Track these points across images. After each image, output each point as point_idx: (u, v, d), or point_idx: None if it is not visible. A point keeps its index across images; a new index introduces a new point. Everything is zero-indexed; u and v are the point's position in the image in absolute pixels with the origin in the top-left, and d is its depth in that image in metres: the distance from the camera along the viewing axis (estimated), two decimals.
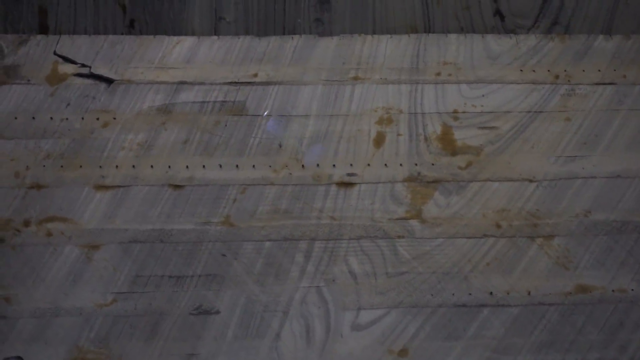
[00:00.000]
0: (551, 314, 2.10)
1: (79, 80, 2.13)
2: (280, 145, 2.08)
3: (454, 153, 2.12)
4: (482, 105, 2.14)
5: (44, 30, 2.18)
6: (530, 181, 2.11)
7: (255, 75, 2.14)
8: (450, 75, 2.16)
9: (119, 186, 2.08)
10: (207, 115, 2.11)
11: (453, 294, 2.07)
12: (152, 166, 2.09)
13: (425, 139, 2.11)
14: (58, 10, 2.20)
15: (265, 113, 2.11)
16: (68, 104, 2.10)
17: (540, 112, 2.14)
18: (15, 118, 2.08)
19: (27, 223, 2.05)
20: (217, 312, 2.05)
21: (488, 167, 2.12)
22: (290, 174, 2.09)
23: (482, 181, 2.10)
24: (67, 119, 2.10)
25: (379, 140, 2.13)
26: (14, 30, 2.18)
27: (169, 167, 2.09)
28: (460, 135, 2.13)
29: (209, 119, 2.11)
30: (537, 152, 2.11)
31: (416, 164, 2.10)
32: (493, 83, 2.16)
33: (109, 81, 2.11)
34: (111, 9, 2.19)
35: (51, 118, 2.08)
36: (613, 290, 2.10)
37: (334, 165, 2.09)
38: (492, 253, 2.09)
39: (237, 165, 2.09)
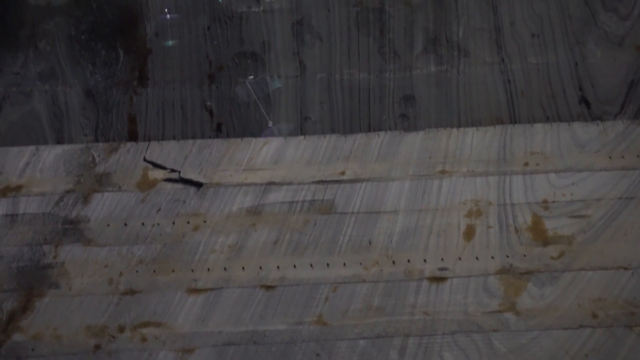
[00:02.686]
0: None
1: (169, 185, 2.85)
2: (370, 242, 2.74)
3: (545, 243, 2.75)
4: (572, 194, 2.78)
5: (133, 137, 2.93)
6: (625, 269, 2.71)
7: (343, 173, 2.83)
8: (538, 165, 2.83)
9: (212, 289, 2.73)
10: (297, 214, 2.80)
11: None
12: (243, 268, 2.75)
13: (516, 230, 2.74)
14: (147, 117, 2.95)
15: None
16: (159, 209, 2.81)
17: (632, 198, 2.77)
18: (108, 225, 2.79)
19: (121, 329, 2.71)
20: None
21: (581, 256, 2.73)
22: (381, 270, 2.73)
23: (576, 271, 2.71)
24: (158, 224, 2.80)
25: (469, 233, 2.77)
26: (105, 138, 2.93)
27: (260, 267, 2.75)
28: (551, 225, 2.77)
29: (298, 218, 2.79)
30: (631, 239, 2.72)
31: (508, 256, 2.73)
32: (582, 171, 2.81)
33: (198, 185, 2.82)
34: (199, 113, 2.94)
35: (143, 224, 2.78)
36: None
37: (424, 260, 2.73)
38: (590, 344, 2.65)
39: (327, 264, 2.74)
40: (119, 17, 2.85)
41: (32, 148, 2.88)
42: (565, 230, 2.65)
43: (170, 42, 2.83)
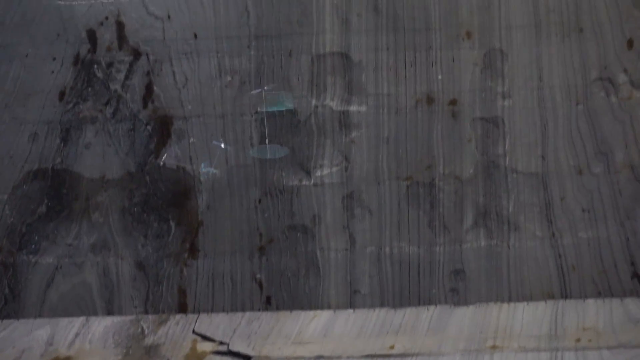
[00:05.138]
0: None
1: (217, 358, 3.63)
2: None
3: None
4: None
5: (183, 309, 3.76)
6: None
7: (392, 347, 3.60)
8: (590, 341, 3.57)
9: None
10: None
11: None
12: None
13: None
14: (197, 289, 3.78)
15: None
16: None
17: None
18: None
19: None
20: None
21: None
22: None
23: None
24: None
25: None
26: (155, 310, 3.76)
27: None
28: None
29: None
30: None
31: None
32: (636, 348, 3.55)
33: (246, 358, 3.60)
34: (248, 286, 3.77)
35: None
36: None
37: None
38: None
39: None
40: (171, 190, 3.75)
41: (82, 319, 3.71)
42: None
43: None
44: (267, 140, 3.67)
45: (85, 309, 3.69)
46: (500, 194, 3.65)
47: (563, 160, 3.64)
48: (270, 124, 3.64)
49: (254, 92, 3.65)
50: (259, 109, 3.65)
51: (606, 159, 3.64)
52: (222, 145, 3.65)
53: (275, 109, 3.68)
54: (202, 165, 3.68)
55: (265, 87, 3.62)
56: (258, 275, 3.67)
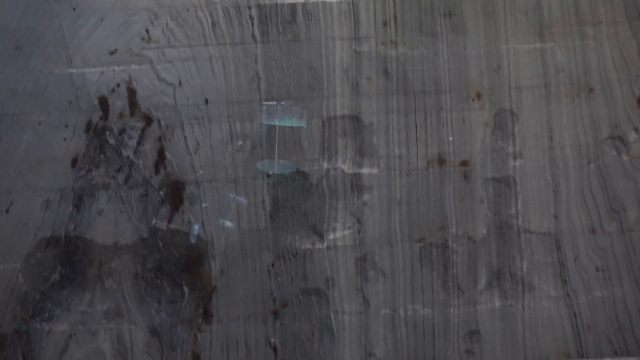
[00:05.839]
0: None
1: None
2: None
3: None
4: None
5: None
6: None
7: None
8: None
9: None
10: None
11: None
12: None
13: None
14: (211, 355, 3.77)
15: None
16: None
17: None
18: None
19: None
20: None
21: None
22: None
23: None
24: None
25: None
26: None
27: None
28: None
29: None
30: None
31: None
32: None
33: None
34: (262, 350, 3.76)
35: None
36: None
37: None
38: None
39: None
40: (184, 256, 3.76)
41: None
42: None
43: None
44: (279, 205, 3.68)
45: None
46: (513, 254, 3.66)
47: (576, 220, 3.65)
48: (282, 188, 3.66)
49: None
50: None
51: (619, 217, 3.65)
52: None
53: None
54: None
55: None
56: (272, 340, 3.66)
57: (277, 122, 3.70)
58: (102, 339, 3.72)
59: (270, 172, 3.67)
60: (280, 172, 3.69)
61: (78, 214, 3.69)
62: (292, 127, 3.68)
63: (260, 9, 3.68)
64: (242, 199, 3.66)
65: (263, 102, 3.72)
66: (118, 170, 3.68)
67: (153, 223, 3.67)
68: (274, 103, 3.72)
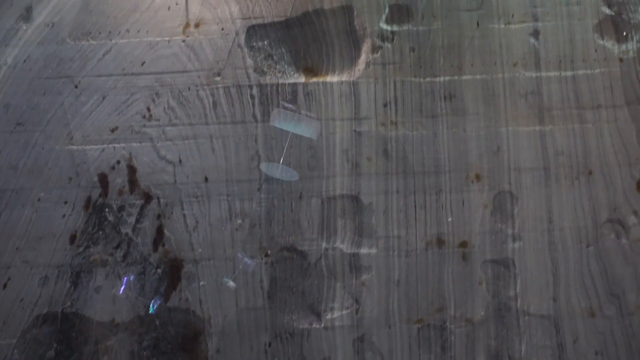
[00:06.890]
0: None
1: None
2: None
3: None
4: None
5: None
6: None
7: None
8: None
9: None
10: None
11: None
12: None
13: None
14: None
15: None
16: None
17: None
18: None
19: None
20: None
21: None
22: None
23: None
24: None
25: None
26: None
27: None
28: None
29: None
30: None
31: None
32: None
33: None
34: None
35: None
36: None
37: None
38: None
39: None
40: (181, 334, 3.74)
41: None
42: None
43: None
44: (277, 285, 3.67)
45: None
46: (512, 336, 3.64)
47: (575, 302, 3.64)
48: (280, 267, 3.65)
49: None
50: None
51: (618, 301, 3.64)
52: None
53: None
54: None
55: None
56: None
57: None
58: None
59: (269, 252, 3.67)
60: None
61: (75, 290, 3.68)
62: (291, 207, 3.68)
63: (261, 89, 3.72)
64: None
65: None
66: (116, 247, 3.69)
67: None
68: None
